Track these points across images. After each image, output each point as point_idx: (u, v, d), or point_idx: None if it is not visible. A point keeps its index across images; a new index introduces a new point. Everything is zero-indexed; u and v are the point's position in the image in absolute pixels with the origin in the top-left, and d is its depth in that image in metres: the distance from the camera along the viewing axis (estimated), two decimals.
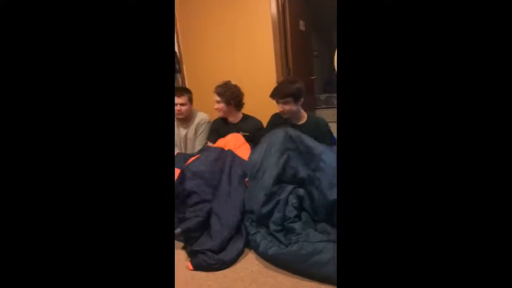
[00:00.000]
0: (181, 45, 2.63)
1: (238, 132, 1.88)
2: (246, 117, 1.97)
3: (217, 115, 2.00)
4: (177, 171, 1.58)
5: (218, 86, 1.87)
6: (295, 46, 2.34)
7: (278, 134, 1.48)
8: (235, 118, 1.93)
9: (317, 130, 1.65)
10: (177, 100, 1.93)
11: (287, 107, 1.62)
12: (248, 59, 2.33)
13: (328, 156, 1.30)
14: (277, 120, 1.81)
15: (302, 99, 1.66)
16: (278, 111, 1.76)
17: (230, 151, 1.56)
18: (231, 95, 1.86)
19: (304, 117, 1.74)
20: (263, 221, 1.23)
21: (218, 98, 1.85)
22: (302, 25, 2.57)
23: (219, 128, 1.96)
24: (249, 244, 1.22)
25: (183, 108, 1.95)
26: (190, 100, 1.99)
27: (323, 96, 4.15)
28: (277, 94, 1.61)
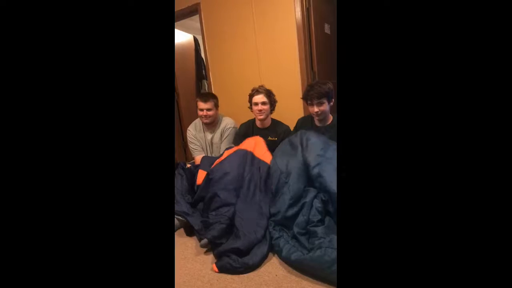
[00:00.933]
0: (207, 52, 2.71)
1: (267, 137, 1.89)
2: (275, 122, 1.98)
3: (243, 119, 2.04)
4: (203, 173, 1.63)
5: (263, 89, 1.86)
6: (320, 49, 2.32)
7: (303, 136, 1.48)
8: (267, 122, 1.95)
9: None
10: (203, 105, 1.98)
11: (322, 108, 1.62)
12: (273, 64, 2.34)
13: None
14: (304, 123, 1.81)
15: (333, 100, 1.66)
16: (304, 116, 1.74)
17: (252, 155, 1.56)
18: (275, 98, 1.89)
19: (330, 118, 1.73)
20: (287, 223, 1.23)
21: (265, 99, 1.84)
22: (327, 28, 2.55)
23: (247, 133, 1.97)
24: (272, 249, 1.22)
25: (209, 113, 2.00)
26: (216, 105, 2.05)
27: None
28: (313, 95, 1.61)
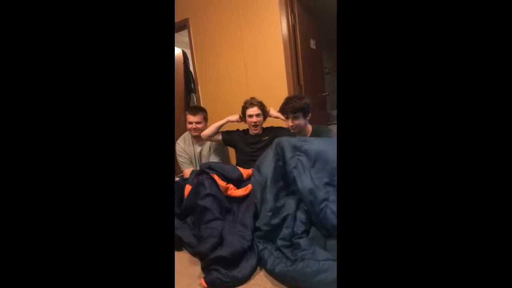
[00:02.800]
0: (196, 65, 2.74)
1: (260, 139, 1.96)
2: (265, 128, 2.04)
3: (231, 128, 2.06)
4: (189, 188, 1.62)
5: (256, 102, 1.93)
6: (306, 64, 2.39)
7: (269, 152, 1.42)
8: (259, 130, 2.01)
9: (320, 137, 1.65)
10: (193, 118, 2.00)
11: (297, 122, 1.67)
12: (260, 78, 2.40)
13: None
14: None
15: (309, 114, 1.71)
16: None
17: (228, 198, 1.54)
18: (266, 109, 1.98)
19: (309, 130, 1.77)
20: (270, 236, 1.23)
21: (259, 111, 1.92)
22: (312, 44, 2.64)
23: (242, 140, 2.00)
24: (260, 261, 1.21)
25: (199, 126, 2.02)
26: (205, 119, 2.07)
27: (335, 112, 4.15)
28: (288, 109, 1.66)
